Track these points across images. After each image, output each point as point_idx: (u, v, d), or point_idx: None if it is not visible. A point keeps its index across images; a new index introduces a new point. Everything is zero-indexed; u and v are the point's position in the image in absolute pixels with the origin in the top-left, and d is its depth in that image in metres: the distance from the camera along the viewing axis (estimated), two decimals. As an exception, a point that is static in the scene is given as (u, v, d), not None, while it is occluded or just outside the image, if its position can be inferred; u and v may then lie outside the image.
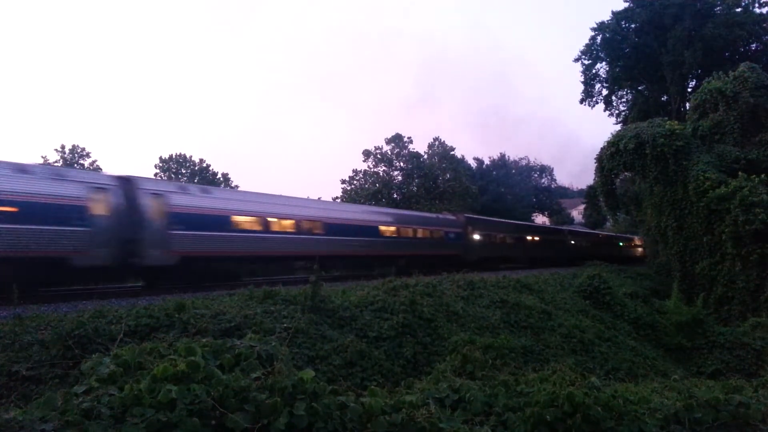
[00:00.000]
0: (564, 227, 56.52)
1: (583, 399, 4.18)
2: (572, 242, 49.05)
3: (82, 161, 51.59)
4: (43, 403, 3.22)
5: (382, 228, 27.91)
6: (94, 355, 4.44)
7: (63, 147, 53.19)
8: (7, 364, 6.68)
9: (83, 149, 54.12)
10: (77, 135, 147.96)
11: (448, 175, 62.14)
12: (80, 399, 3.27)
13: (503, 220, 44.70)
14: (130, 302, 11.20)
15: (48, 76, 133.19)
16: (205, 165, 60.93)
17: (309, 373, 3.85)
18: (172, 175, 56.39)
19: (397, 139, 62.23)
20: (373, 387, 4.35)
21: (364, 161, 62.68)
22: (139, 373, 3.72)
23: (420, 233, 30.71)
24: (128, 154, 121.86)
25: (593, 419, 4.07)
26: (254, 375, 3.80)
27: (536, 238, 44.55)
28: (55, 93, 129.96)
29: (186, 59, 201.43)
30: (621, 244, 58.97)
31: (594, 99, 50.89)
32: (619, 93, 51.44)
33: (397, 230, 29.13)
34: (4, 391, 6.21)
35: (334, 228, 23.49)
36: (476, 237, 34.89)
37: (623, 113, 50.83)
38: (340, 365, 9.07)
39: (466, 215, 37.13)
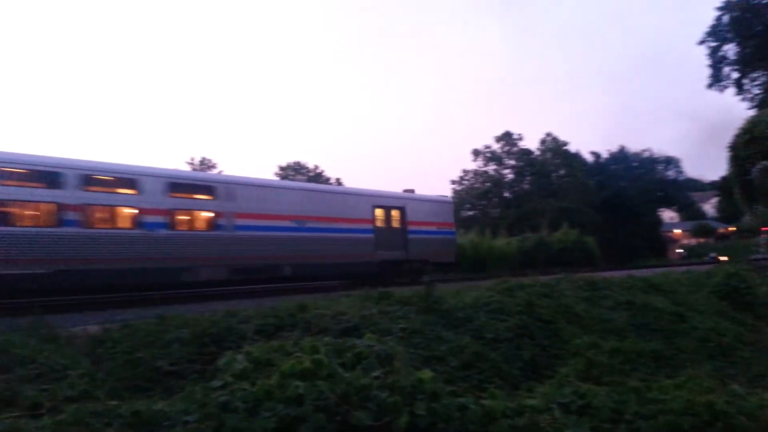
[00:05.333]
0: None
1: (725, 407, 3.83)
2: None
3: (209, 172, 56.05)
4: (185, 397, 3.52)
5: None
6: (227, 352, 4.77)
7: (193, 159, 58.20)
8: (151, 360, 7.34)
9: (210, 160, 58.84)
10: (205, 147, 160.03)
11: (562, 171, 59.87)
12: (217, 393, 3.53)
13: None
14: (256, 302, 11.93)
15: (172, 91, 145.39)
16: (319, 171, 63.69)
17: (427, 374, 3.87)
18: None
19: (506, 137, 61.06)
20: (492, 389, 4.27)
21: (473, 161, 62.27)
22: (269, 369, 3.93)
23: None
24: (251, 163, 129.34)
25: (737, 429, 3.71)
26: (374, 374, 3.88)
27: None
28: (189, 110, 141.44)
29: (294, 62, 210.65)
30: None
31: (723, 83, 46.66)
32: (752, 75, 46.69)
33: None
34: (150, 384, 6.83)
35: None
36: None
37: (758, 96, 46.04)
38: (457, 366, 8.98)
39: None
